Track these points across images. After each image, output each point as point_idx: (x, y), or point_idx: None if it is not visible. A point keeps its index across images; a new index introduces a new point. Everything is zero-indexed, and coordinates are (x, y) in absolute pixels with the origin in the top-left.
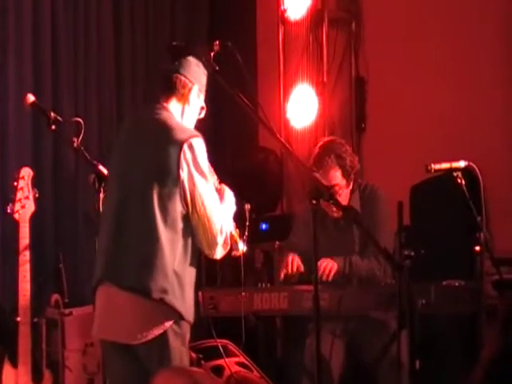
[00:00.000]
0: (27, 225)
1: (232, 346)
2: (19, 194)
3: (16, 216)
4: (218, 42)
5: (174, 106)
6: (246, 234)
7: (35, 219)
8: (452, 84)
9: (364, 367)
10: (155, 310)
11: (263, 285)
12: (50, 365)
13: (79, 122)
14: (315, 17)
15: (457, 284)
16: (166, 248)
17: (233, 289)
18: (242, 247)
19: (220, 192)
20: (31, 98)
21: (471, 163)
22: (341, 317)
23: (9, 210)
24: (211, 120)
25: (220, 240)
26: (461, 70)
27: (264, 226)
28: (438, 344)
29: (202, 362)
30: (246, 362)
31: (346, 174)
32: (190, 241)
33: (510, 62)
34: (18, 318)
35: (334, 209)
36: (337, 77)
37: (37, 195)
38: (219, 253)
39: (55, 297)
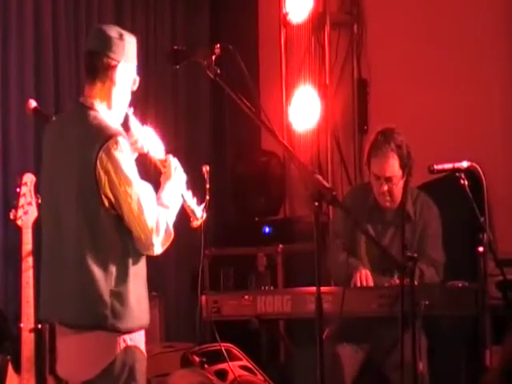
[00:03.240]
0: (30, 231)
1: (235, 350)
2: (22, 200)
3: (19, 222)
4: (219, 45)
5: (98, 93)
6: (208, 197)
7: (38, 225)
8: (454, 85)
9: (382, 373)
10: (98, 341)
11: (266, 288)
12: (54, 371)
13: None
14: (317, 20)
15: (460, 285)
16: (97, 274)
17: (236, 292)
18: (200, 215)
19: (166, 166)
20: (33, 103)
21: (474, 164)
22: (365, 324)
23: (11, 216)
24: (213, 123)
25: (156, 240)
26: (463, 71)
27: (267, 230)
28: (440, 345)
29: (206, 365)
30: (250, 366)
31: (403, 165)
32: (129, 248)
33: None
34: (22, 324)
35: (388, 198)
36: (339, 79)
37: (40, 201)
38: (158, 250)
39: None
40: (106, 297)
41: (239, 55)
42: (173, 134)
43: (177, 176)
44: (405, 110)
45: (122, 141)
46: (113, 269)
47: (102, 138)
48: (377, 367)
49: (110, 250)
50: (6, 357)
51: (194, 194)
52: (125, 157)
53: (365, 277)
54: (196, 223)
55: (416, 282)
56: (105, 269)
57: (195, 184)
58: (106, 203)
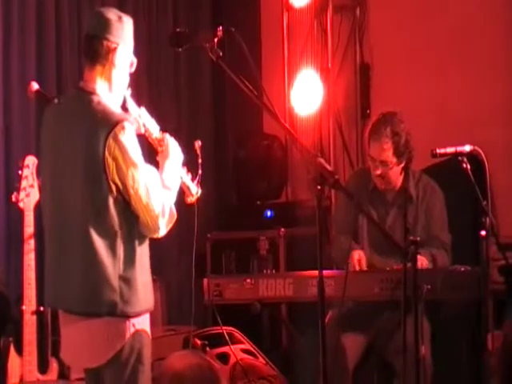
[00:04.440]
0: (32, 213)
1: (237, 333)
2: (24, 183)
3: (21, 204)
4: (221, 28)
5: (99, 76)
6: (200, 172)
7: (40, 207)
8: (457, 69)
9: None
10: (108, 327)
11: (268, 272)
12: (56, 353)
13: None
14: (319, 3)
15: (462, 269)
16: (105, 260)
17: (238, 276)
18: (195, 191)
19: (163, 145)
20: (35, 86)
21: (476, 148)
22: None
23: (13, 199)
24: (215, 107)
25: (162, 223)
26: (466, 55)
27: (269, 213)
28: (442, 329)
29: (208, 349)
30: (252, 349)
31: (397, 153)
32: (134, 232)
33: None
34: (24, 307)
35: (382, 181)
36: (341, 63)
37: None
38: (163, 232)
39: None
40: (115, 282)
41: (241, 38)
42: (174, 119)
43: (174, 154)
44: (407, 94)
45: (128, 126)
46: (120, 254)
47: (109, 124)
48: (379, 351)
49: (116, 235)
50: (8, 339)
51: (192, 173)
52: (131, 142)
53: (357, 259)
54: (191, 199)
55: (430, 267)
56: (113, 254)
57: (193, 163)
58: (114, 189)
